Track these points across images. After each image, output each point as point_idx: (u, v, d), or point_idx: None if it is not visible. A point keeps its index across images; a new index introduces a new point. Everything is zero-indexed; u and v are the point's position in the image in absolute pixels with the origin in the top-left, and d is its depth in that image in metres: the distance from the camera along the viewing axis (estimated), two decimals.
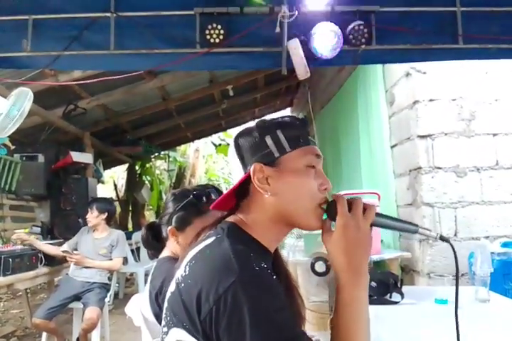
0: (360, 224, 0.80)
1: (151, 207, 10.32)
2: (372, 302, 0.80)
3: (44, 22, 2.13)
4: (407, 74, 3.06)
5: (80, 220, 4.51)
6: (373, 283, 1.66)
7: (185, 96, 5.88)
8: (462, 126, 2.95)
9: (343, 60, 2.22)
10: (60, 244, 3.70)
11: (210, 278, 0.71)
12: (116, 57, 2.17)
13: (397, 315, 1.68)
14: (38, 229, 4.57)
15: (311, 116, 5.68)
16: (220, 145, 12.21)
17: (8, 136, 2.85)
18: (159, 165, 11.00)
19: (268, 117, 0.95)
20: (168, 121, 6.97)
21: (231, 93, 5.78)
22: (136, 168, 8.92)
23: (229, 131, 10.01)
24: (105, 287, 3.46)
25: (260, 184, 0.83)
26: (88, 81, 2.92)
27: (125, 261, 4.71)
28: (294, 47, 2.09)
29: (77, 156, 5.07)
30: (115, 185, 9.91)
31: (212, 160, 14.64)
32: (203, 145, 12.75)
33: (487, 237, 2.87)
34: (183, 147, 11.58)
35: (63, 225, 4.64)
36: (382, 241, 3.12)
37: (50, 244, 3.71)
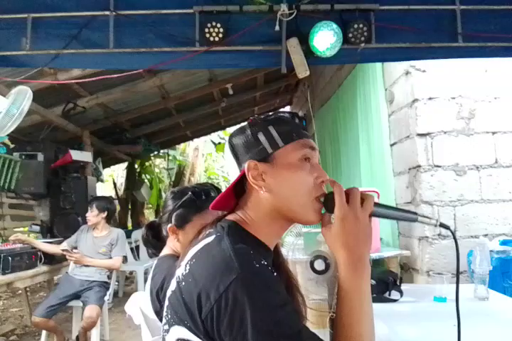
0: (358, 216, 0.79)
1: (150, 206, 10.34)
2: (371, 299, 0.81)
3: (43, 20, 2.13)
4: (407, 73, 3.06)
5: (79, 219, 4.52)
6: (372, 281, 1.66)
7: (185, 95, 5.88)
8: (461, 124, 2.96)
9: (342, 58, 2.23)
10: (59, 242, 3.69)
11: (210, 276, 0.72)
12: (116, 56, 2.17)
13: (396, 312, 1.69)
14: (38, 228, 4.57)
15: (310, 114, 5.68)
16: (219, 143, 12.23)
17: (8, 135, 2.86)
18: (159, 164, 11.02)
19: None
20: (168, 120, 6.97)
21: (230, 91, 5.78)
22: (136, 166, 8.92)
23: (228, 129, 10.01)
24: (105, 285, 3.46)
25: (255, 181, 0.83)
26: (87, 79, 2.92)
27: (125, 259, 4.71)
28: (294, 45, 2.09)
29: (76, 155, 5.06)
30: (114, 184, 9.91)
31: (212, 158, 14.66)
32: (203, 144, 12.76)
33: (486, 235, 2.88)
34: (182, 145, 11.59)
35: (63, 224, 4.64)
36: (381, 239, 3.12)
37: (50, 242, 3.71)
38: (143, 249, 5.39)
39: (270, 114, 0.90)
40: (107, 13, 2.11)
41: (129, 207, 8.98)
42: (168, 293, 0.80)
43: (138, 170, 9.02)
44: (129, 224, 8.92)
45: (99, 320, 3.19)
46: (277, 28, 2.06)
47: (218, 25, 2.08)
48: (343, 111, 4.53)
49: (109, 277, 3.56)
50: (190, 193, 1.46)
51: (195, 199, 1.45)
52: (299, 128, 0.88)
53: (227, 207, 0.92)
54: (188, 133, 8.65)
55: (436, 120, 2.95)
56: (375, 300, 0.83)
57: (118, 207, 8.01)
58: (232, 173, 0.88)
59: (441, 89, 2.97)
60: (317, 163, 0.87)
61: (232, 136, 0.90)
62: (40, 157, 4.68)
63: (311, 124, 5.73)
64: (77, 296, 3.32)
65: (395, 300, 1.79)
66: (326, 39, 2.07)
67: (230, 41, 2.13)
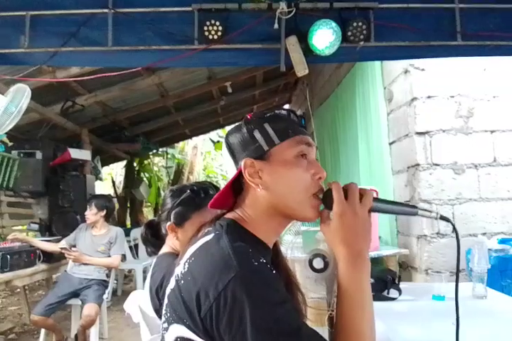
0: (357, 211, 0.79)
1: (149, 204, 10.34)
2: None
3: (41, 18, 2.12)
4: (406, 71, 3.06)
5: (78, 217, 4.51)
6: (371, 280, 1.67)
7: (184, 93, 5.87)
8: (460, 123, 2.96)
9: (341, 56, 2.23)
10: (57, 241, 3.69)
11: (209, 275, 0.71)
12: (114, 54, 2.17)
13: (395, 311, 1.69)
14: (36, 226, 4.57)
15: (309, 113, 5.67)
16: (218, 142, 12.20)
17: (6, 133, 2.85)
18: (157, 162, 11.00)
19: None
20: (167, 118, 6.95)
21: (229, 90, 5.76)
22: (134, 164, 8.91)
23: (227, 127, 10.00)
24: (103, 284, 3.46)
25: (252, 178, 0.82)
26: (86, 77, 2.91)
27: (123, 257, 4.71)
28: (293, 43, 2.09)
29: (75, 153, 5.05)
30: (113, 182, 9.91)
31: (211, 156, 14.66)
32: (201, 142, 12.75)
33: (484, 234, 2.88)
34: (181, 144, 11.58)
35: (61, 222, 4.63)
36: (380, 237, 3.13)
37: (48, 241, 3.71)
38: (142, 248, 5.38)
39: (266, 111, 0.90)
40: (106, 11, 2.11)
41: (128, 205, 8.97)
42: (168, 291, 0.80)
43: (137, 168, 9.02)
44: (128, 223, 8.92)
45: (97, 319, 3.19)
46: (276, 26, 2.06)
47: (217, 23, 2.07)
48: (342, 110, 4.53)
49: (107, 275, 3.56)
50: (188, 191, 1.46)
51: (194, 197, 1.45)
52: (295, 124, 0.87)
53: (225, 206, 0.91)
54: (187, 132, 8.64)
55: (435, 119, 2.95)
56: (373, 298, 0.83)
57: (117, 206, 8.01)
58: (231, 171, 0.87)
59: (440, 87, 2.97)
60: (314, 159, 0.87)
61: (228, 134, 0.90)
62: (39, 155, 4.67)
63: (309, 123, 5.72)
64: (75, 294, 3.32)
65: (393, 299, 1.80)
66: (325, 37, 2.07)
67: (229, 39, 2.12)
